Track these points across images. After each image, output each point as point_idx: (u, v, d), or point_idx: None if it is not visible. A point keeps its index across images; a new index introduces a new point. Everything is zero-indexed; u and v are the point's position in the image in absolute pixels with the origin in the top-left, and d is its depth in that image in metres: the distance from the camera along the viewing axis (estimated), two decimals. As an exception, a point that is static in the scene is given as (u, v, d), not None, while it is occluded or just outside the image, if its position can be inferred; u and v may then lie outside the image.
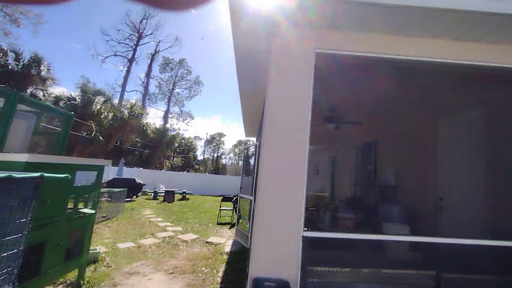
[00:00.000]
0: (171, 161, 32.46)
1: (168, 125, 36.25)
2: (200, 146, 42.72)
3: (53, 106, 4.94)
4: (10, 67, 14.75)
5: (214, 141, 43.42)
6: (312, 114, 2.39)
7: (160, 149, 27.31)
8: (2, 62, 13.23)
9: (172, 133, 32.12)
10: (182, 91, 38.58)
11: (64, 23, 43.18)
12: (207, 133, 45.87)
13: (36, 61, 14.27)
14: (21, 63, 13.94)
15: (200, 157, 40.26)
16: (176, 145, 31.41)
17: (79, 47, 43.98)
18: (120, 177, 13.18)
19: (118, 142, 21.01)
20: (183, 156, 35.32)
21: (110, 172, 14.29)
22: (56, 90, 15.83)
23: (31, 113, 3.47)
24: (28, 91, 14.67)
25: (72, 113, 4.00)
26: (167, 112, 36.56)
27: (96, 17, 44.44)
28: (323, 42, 2.56)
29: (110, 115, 16.97)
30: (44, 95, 16.51)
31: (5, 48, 13.52)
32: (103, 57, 31.13)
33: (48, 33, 41.16)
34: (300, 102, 2.42)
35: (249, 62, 3.46)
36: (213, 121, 66.34)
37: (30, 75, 13.99)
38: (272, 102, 2.42)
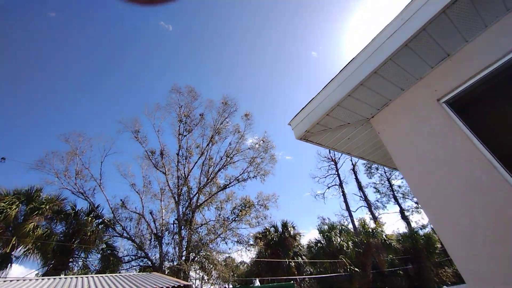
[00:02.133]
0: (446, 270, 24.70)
1: (413, 224, 31.11)
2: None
3: None
4: (275, 238, 20.10)
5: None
6: None
7: (423, 258, 22.21)
8: (268, 236, 18.38)
9: (423, 231, 26.63)
10: (402, 183, 34.70)
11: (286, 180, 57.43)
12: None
13: (284, 225, 18.73)
14: (278, 233, 18.74)
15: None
16: (439, 245, 24.68)
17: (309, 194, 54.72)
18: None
19: (373, 269, 19.53)
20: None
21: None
22: (306, 238, 18.95)
23: None
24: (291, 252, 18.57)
25: None
26: (402, 212, 32.48)
27: (306, 168, 56.45)
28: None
29: (350, 244, 17.19)
30: (300, 249, 19.97)
31: (267, 226, 19.12)
32: (321, 194, 36.17)
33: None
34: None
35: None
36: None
37: (285, 238, 18.09)
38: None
